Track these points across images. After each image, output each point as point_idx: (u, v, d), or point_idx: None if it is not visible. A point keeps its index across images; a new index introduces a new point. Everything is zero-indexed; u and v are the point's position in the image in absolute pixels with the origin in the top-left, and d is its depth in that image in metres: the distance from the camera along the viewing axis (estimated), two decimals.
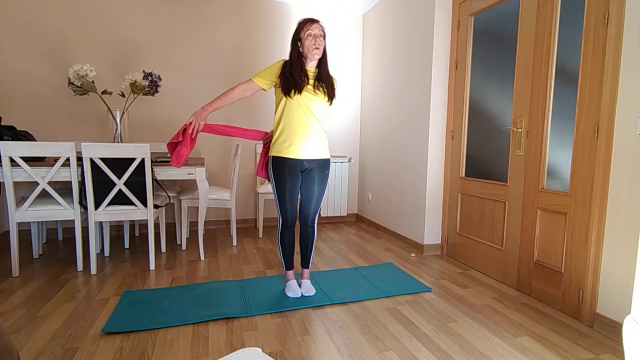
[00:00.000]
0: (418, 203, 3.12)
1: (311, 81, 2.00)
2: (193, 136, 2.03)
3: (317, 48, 1.96)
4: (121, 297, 2.08)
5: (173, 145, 2.11)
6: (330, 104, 2.08)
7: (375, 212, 3.91)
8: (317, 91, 2.00)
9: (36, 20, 3.10)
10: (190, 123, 2.03)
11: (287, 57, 2.06)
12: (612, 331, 1.76)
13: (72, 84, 2.61)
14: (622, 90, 1.72)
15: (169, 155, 3.00)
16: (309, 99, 1.98)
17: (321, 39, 1.97)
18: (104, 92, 2.74)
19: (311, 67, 2.03)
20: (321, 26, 1.98)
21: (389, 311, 2.00)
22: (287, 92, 1.96)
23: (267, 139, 2.19)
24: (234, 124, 3.75)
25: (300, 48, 1.99)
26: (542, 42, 2.14)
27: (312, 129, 2.01)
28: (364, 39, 4.11)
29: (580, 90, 1.92)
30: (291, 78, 1.96)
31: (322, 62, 2.04)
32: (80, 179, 2.40)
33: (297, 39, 2.00)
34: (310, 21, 1.96)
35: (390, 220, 3.59)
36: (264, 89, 2.06)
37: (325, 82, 2.03)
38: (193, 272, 2.51)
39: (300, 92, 1.95)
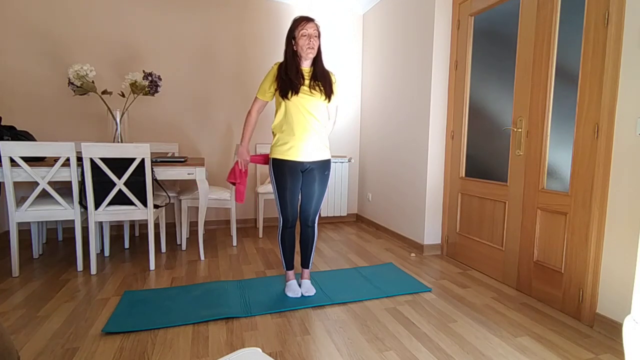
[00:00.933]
0: (418, 203, 3.12)
1: (307, 81, 2.00)
2: (243, 170, 2.20)
3: (311, 48, 1.95)
4: (121, 297, 2.08)
5: (232, 180, 2.24)
6: (329, 101, 2.05)
7: (375, 212, 3.91)
8: (313, 91, 1.99)
9: (36, 21, 3.10)
10: (237, 162, 2.18)
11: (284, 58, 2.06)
12: (612, 331, 1.76)
13: (72, 84, 2.61)
14: (622, 90, 1.72)
15: (169, 155, 3.00)
16: (306, 101, 1.97)
17: (316, 38, 1.96)
18: (104, 92, 2.74)
19: (306, 66, 2.02)
20: (316, 25, 1.97)
21: (389, 311, 2.00)
22: (284, 95, 1.96)
23: None
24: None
25: (295, 47, 1.98)
26: (542, 42, 2.14)
27: (311, 130, 2.00)
28: (364, 39, 4.11)
29: (580, 90, 1.92)
30: (287, 79, 1.96)
31: (317, 61, 2.03)
32: (80, 179, 2.40)
33: (291, 37, 1.98)
34: (305, 20, 1.94)
35: (390, 220, 3.59)
36: (269, 101, 2.11)
37: (321, 80, 2.01)
38: (193, 272, 2.51)
39: (297, 92, 1.95)
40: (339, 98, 2.13)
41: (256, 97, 2.11)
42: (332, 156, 4.06)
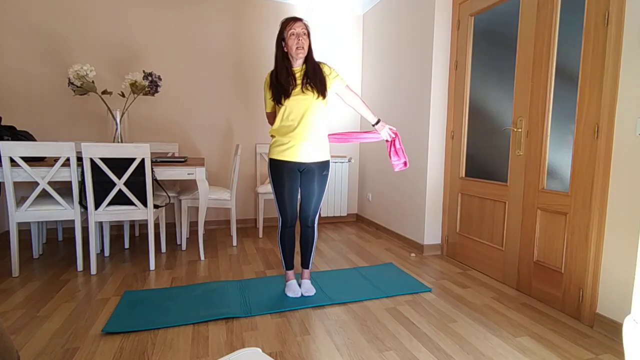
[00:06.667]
0: (418, 203, 3.12)
1: (298, 81, 1.99)
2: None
3: (300, 47, 1.93)
4: (121, 297, 2.08)
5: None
6: (324, 97, 2.01)
7: (375, 212, 3.91)
8: (306, 91, 1.97)
9: (36, 21, 3.10)
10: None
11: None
12: (612, 331, 1.76)
13: (72, 84, 2.61)
14: (622, 90, 1.72)
15: (169, 155, 3.00)
16: (300, 102, 1.96)
17: (305, 37, 1.94)
18: (104, 92, 2.74)
19: (297, 66, 2.02)
20: (304, 24, 1.95)
21: (389, 311, 2.00)
22: (277, 100, 1.97)
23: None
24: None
25: (285, 48, 1.98)
26: (542, 42, 2.13)
27: (308, 131, 1.99)
28: (364, 39, 4.11)
29: (580, 90, 1.92)
30: (278, 85, 1.97)
31: (308, 60, 2.01)
32: (80, 179, 2.40)
33: (280, 38, 1.98)
34: (293, 20, 1.93)
35: (390, 220, 3.59)
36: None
37: (313, 78, 1.98)
38: (193, 272, 2.51)
39: (288, 96, 1.95)
40: (340, 82, 2.11)
41: (266, 112, 2.19)
42: (332, 156, 4.06)
